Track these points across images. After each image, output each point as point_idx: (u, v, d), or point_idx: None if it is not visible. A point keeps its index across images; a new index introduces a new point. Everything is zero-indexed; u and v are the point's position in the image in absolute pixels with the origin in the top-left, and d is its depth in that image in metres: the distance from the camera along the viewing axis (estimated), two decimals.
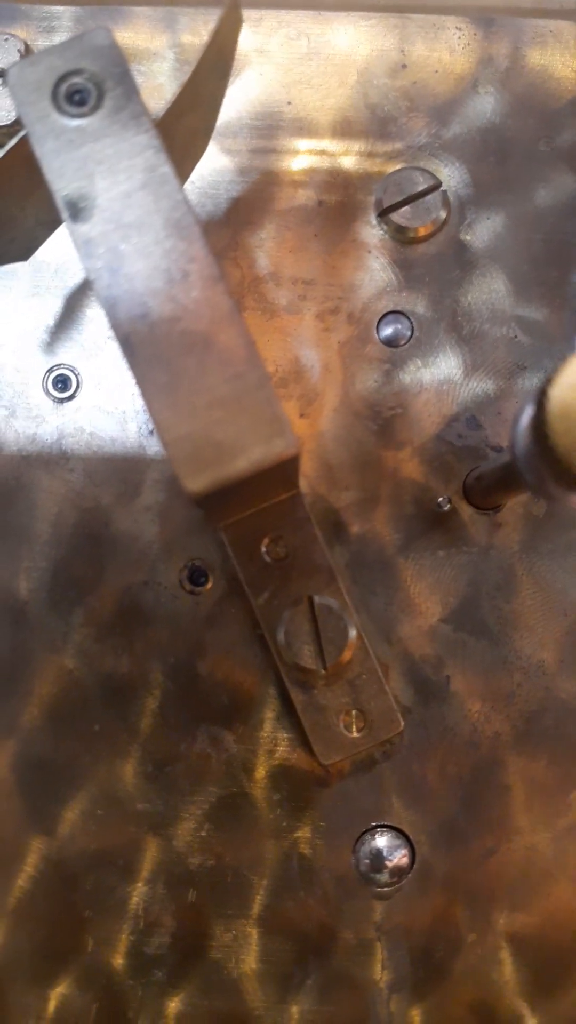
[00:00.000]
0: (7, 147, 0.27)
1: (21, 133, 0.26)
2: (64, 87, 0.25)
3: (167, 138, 0.25)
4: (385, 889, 0.33)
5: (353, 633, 0.32)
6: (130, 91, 0.25)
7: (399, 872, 0.33)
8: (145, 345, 0.25)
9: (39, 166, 0.26)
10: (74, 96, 0.25)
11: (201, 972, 0.33)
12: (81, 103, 0.25)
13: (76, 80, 0.25)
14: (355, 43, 0.35)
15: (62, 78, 0.25)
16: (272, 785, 0.33)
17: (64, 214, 0.25)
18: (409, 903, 0.33)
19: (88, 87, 0.25)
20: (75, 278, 0.34)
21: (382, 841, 0.33)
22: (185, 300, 0.25)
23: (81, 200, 0.25)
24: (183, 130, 0.26)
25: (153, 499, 0.34)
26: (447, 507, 0.33)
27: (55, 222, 0.32)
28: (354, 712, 0.32)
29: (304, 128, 0.35)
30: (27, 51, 0.34)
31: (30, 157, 0.26)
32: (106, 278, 0.25)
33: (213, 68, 0.29)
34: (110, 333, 0.34)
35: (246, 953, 0.33)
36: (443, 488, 0.33)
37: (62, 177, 0.25)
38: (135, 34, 0.35)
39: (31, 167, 0.26)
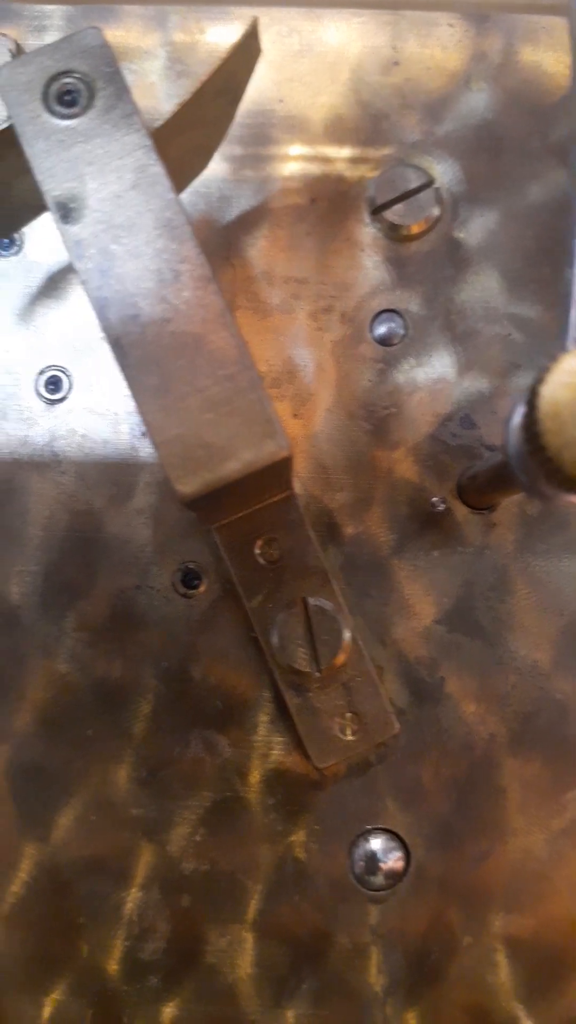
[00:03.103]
0: None
1: (4, 124, 0.26)
2: (55, 87, 0.25)
3: (160, 151, 0.25)
4: (380, 892, 0.33)
5: (347, 635, 0.31)
6: (121, 91, 0.25)
7: (394, 875, 0.33)
8: (136, 347, 0.24)
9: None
10: (65, 96, 0.25)
11: (196, 977, 0.33)
12: (72, 103, 0.25)
13: (67, 80, 0.25)
14: (347, 40, 0.34)
15: (53, 78, 0.25)
16: (266, 789, 0.33)
17: (54, 215, 0.25)
18: (404, 906, 0.32)
19: (79, 87, 0.25)
20: (67, 279, 0.34)
21: (377, 844, 0.33)
22: (176, 301, 0.24)
23: (71, 201, 0.24)
24: (180, 145, 0.25)
25: (145, 502, 0.33)
26: (441, 507, 0.33)
27: (39, 207, 0.32)
28: (349, 715, 0.32)
29: (296, 126, 0.34)
30: (18, 51, 0.33)
31: (14, 142, 0.26)
32: (97, 279, 0.24)
33: (221, 91, 0.29)
34: (102, 334, 0.34)
35: (241, 958, 0.33)
36: (437, 488, 0.33)
37: (52, 178, 0.25)
38: (126, 32, 0.35)
39: (20, 152, 0.26)
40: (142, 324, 0.24)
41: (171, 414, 0.24)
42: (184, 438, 0.24)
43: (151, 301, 0.24)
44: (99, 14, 0.35)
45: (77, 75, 0.25)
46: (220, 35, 0.35)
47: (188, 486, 0.24)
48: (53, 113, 0.25)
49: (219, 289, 0.24)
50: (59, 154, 0.25)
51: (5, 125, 0.27)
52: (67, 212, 0.24)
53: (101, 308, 0.24)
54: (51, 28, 0.35)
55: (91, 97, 0.25)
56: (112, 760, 0.33)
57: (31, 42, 0.35)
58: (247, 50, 0.28)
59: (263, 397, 0.24)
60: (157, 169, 0.25)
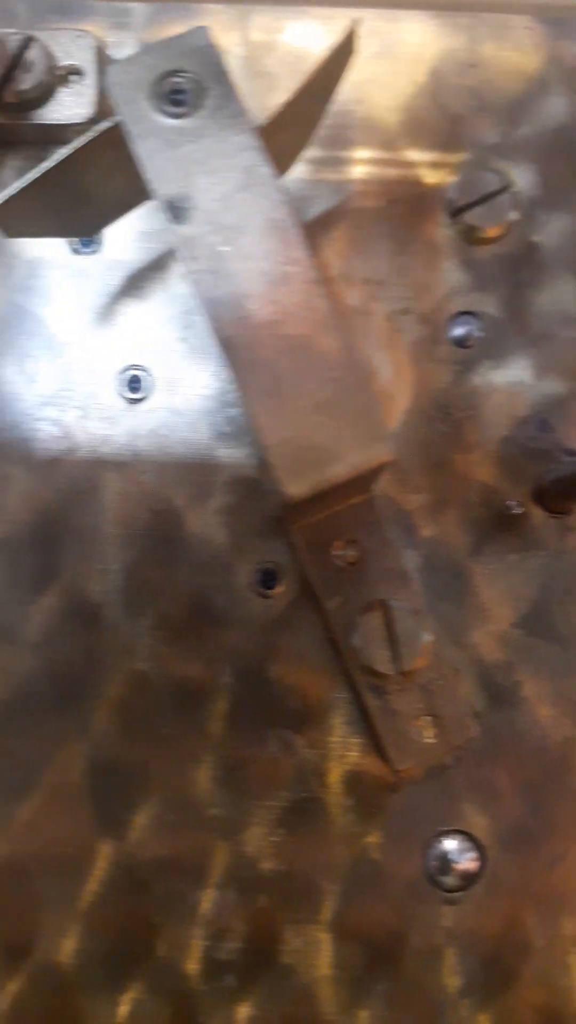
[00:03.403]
0: (99, 128, 0.27)
1: (115, 119, 0.26)
2: (164, 86, 0.25)
3: None
4: (455, 894, 0.33)
5: (427, 638, 0.31)
6: (229, 91, 0.25)
7: (468, 876, 0.33)
8: (246, 348, 0.24)
9: (124, 151, 0.25)
10: (174, 95, 0.25)
11: (272, 977, 0.33)
12: (180, 102, 0.25)
13: (176, 79, 0.25)
14: (424, 42, 0.35)
15: (162, 77, 0.25)
16: (343, 790, 0.33)
17: (165, 215, 0.25)
18: (478, 908, 0.33)
19: (188, 86, 0.25)
20: (147, 278, 0.34)
21: (451, 845, 0.33)
22: (286, 303, 0.24)
23: (181, 201, 0.25)
24: (273, 146, 0.25)
25: (224, 502, 0.34)
26: (518, 510, 0.33)
27: (127, 204, 0.32)
28: (427, 717, 0.32)
29: (374, 127, 0.34)
30: (102, 48, 0.33)
31: (117, 140, 0.26)
32: (208, 280, 0.24)
33: (317, 92, 0.29)
34: (183, 333, 0.34)
35: (316, 958, 0.33)
36: (514, 491, 0.33)
37: (162, 178, 0.25)
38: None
39: (117, 149, 0.26)
40: (252, 326, 0.24)
41: (280, 416, 0.24)
42: (293, 440, 0.24)
43: (261, 303, 0.24)
44: (179, 11, 0.35)
45: (186, 74, 0.25)
46: (298, 35, 0.35)
47: (297, 488, 0.24)
48: (162, 112, 0.25)
49: (328, 292, 0.24)
50: (169, 153, 0.25)
51: (107, 125, 0.27)
52: (177, 212, 0.25)
53: (212, 309, 0.24)
54: (132, 25, 0.35)
55: (200, 96, 0.25)
56: (189, 759, 0.33)
57: (112, 39, 0.35)
58: (345, 52, 0.28)
59: (371, 399, 0.24)
60: (266, 170, 0.25)
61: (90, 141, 0.27)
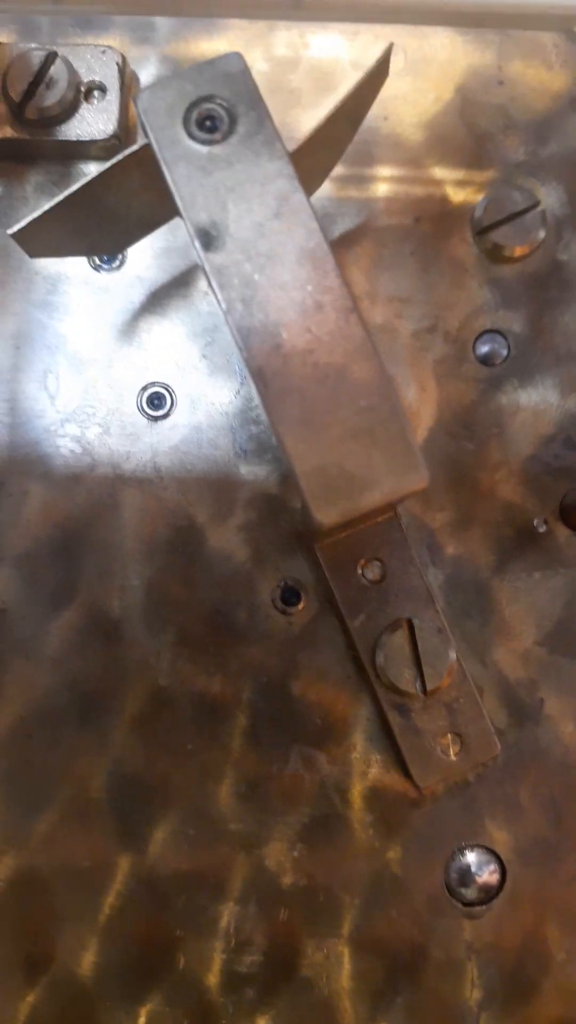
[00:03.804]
0: (129, 151, 0.26)
1: (143, 143, 0.26)
2: (196, 112, 0.25)
3: None
4: (475, 908, 0.33)
5: (453, 657, 0.31)
6: (262, 117, 0.25)
7: (488, 889, 0.33)
8: (278, 377, 0.24)
9: (149, 171, 0.25)
10: (206, 122, 0.25)
11: (292, 990, 0.33)
12: (213, 129, 0.25)
13: (208, 105, 0.25)
14: (452, 59, 0.34)
15: (194, 103, 0.25)
16: (365, 806, 0.33)
17: (195, 242, 0.25)
18: (499, 922, 0.33)
19: (220, 113, 0.25)
20: (169, 295, 0.34)
21: (472, 858, 0.33)
22: (319, 332, 0.24)
23: (213, 228, 0.25)
24: (304, 168, 0.25)
25: (246, 518, 0.34)
26: (543, 528, 0.33)
27: (152, 224, 0.32)
28: (451, 735, 0.32)
29: (400, 144, 0.34)
30: (124, 64, 0.33)
31: (143, 161, 0.26)
32: (240, 309, 0.24)
33: (349, 115, 0.29)
34: (205, 351, 0.34)
35: (337, 971, 0.33)
36: (539, 509, 0.33)
37: (194, 205, 0.25)
38: (230, 46, 0.34)
39: (143, 170, 0.26)
40: (284, 355, 0.24)
41: (312, 444, 0.24)
42: (325, 468, 0.24)
43: (294, 332, 0.24)
44: (203, 26, 0.34)
45: (219, 100, 0.25)
46: (322, 51, 0.35)
47: (328, 516, 0.24)
48: (194, 138, 0.25)
49: (361, 320, 0.24)
50: (200, 180, 0.25)
51: (135, 148, 0.27)
52: (209, 240, 0.25)
53: (244, 338, 0.24)
54: (154, 40, 0.34)
55: (232, 123, 0.25)
56: (210, 774, 0.33)
57: (134, 53, 0.34)
58: (379, 76, 0.28)
59: (405, 427, 0.24)
60: (299, 197, 0.25)
61: (116, 163, 0.27)
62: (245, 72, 0.25)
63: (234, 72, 0.25)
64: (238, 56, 0.25)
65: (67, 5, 0.37)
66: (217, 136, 0.25)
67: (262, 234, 0.24)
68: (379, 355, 0.24)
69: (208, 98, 0.25)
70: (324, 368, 0.24)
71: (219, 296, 0.24)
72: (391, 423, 0.24)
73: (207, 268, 0.24)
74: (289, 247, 0.24)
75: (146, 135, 0.25)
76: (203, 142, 0.25)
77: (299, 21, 0.34)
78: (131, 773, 0.33)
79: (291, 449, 0.24)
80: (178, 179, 0.25)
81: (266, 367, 0.24)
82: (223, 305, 0.24)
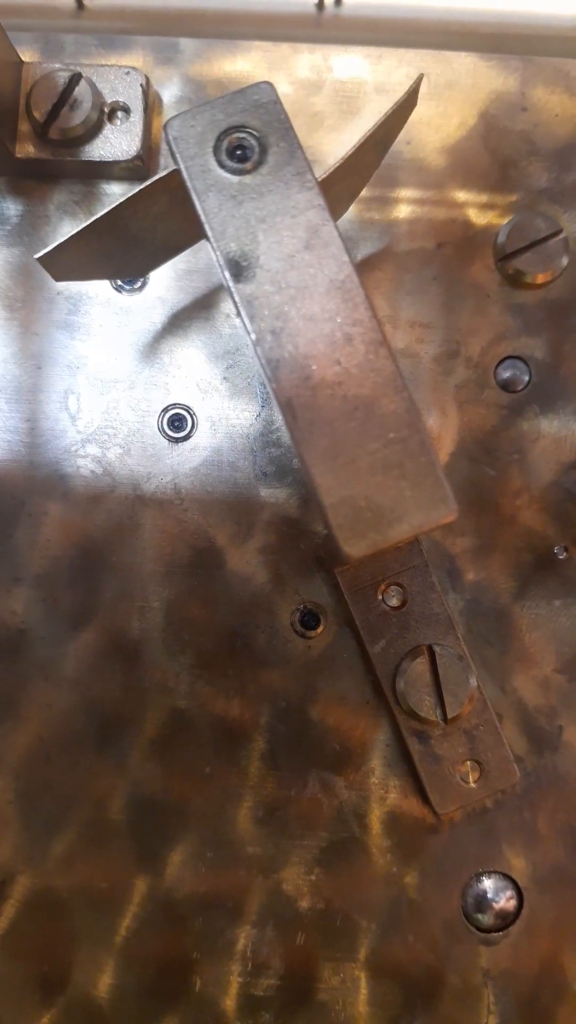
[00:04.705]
0: (156, 177, 0.26)
1: (170, 168, 0.26)
2: (226, 142, 0.25)
3: None
4: (492, 934, 0.33)
5: (474, 684, 0.31)
6: (293, 147, 0.25)
7: (505, 915, 0.33)
8: (307, 409, 0.24)
9: (175, 196, 0.25)
10: (236, 151, 0.25)
11: (308, 1014, 0.33)
12: (243, 159, 0.25)
13: (239, 135, 0.25)
14: (475, 84, 0.34)
15: (224, 132, 0.25)
16: (383, 831, 0.33)
17: (225, 273, 0.25)
18: (516, 949, 0.33)
19: (250, 142, 0.25)
20: (191, 317, 0.34)
21: (488, 884, 0.33)
22: (348, 364, 0.24)
23: (243, 259, 0.24)
24: (330, 197, 0.25)
25: (266, 541, 0.34)
26: (563, 555, 0.33)
27: (177, 248, 0.32)
28: (471, 762, 0.32)
29: (423, 169, 0.34)
30: (148, 85, 0.33)
31: (170, 187, 0.26)
32: (269, 340, 0.24)
33: (377, 144, 0.29)
34: (226, 373, 0.34)
35: (354, 996, 0.33)
36: (560, 536, 0.33)
37: (224, 235, 0.25)
38: (253, 67, 0.34)
39: (171, 196, 0.26)
40: (313, 386, 0.24)
41: (341, 476, 0.24)
42: (353, 500, 0.24)
43: (323, 364, 0.24)
44: (226, 48, 0.34)
45: (249, 130, 0.25)
46: (346, 74, 0.34)
47: (356, 548, 0.24)
48: (224, 168, 0.25)
49: (391, 353, 0.24)
50: (231, 210, 0.25)
51: (163, 175, 0.27)
52: (239, 271, 0.24)
53: (273, 369, 0.24)
54: (178, 61, 0.34)
55: (263, 153, 0.25)
56: (229, 798, 0.33)
57: (158, 74, 0.34)
58: (408, 106, 0.28)
59: (434, 460, 0.24)
60: (329, 229, 0.25)
61: (143, 189, 0.27)
62: (276, 102, 0.25)
63: (265, 102, 0.25)
64: (269, 86, 0.25)
65: (90, 20, 0.37)
66: (248, 166, 0.25)
67: (292, 265, 0.24)
68: (408, 388, 0.24)
69: (239, 127, 0.25)
70: (353, 400, 0.24)
71: (249, 327, 0.24)
72: (420, 456, 0.24)
73: (237, 299, 0.24)
74: (319, 279, 0.24)
75: (176, 163, 0.25)
76: (234, 172, 0.25)
77: (322, 44, 0.34)
78: (149, 795, 0.33)
79: (319, 481, 0.24)
80: (208, 209, 0.25)
81: (295, 399, 0.24)
82: (252, 336, 0.24)
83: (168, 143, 0.25)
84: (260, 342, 0.24)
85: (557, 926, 0.33)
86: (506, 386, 0.34)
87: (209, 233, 0.25)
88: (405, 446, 0.24)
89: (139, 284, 0.34)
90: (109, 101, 0.33)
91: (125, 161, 0.33)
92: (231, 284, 0.25)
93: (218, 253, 0.25)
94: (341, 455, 0.24)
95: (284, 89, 0.34)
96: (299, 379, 0.24)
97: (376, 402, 0.24)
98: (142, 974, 0.33)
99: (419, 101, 0.34)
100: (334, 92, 0.34)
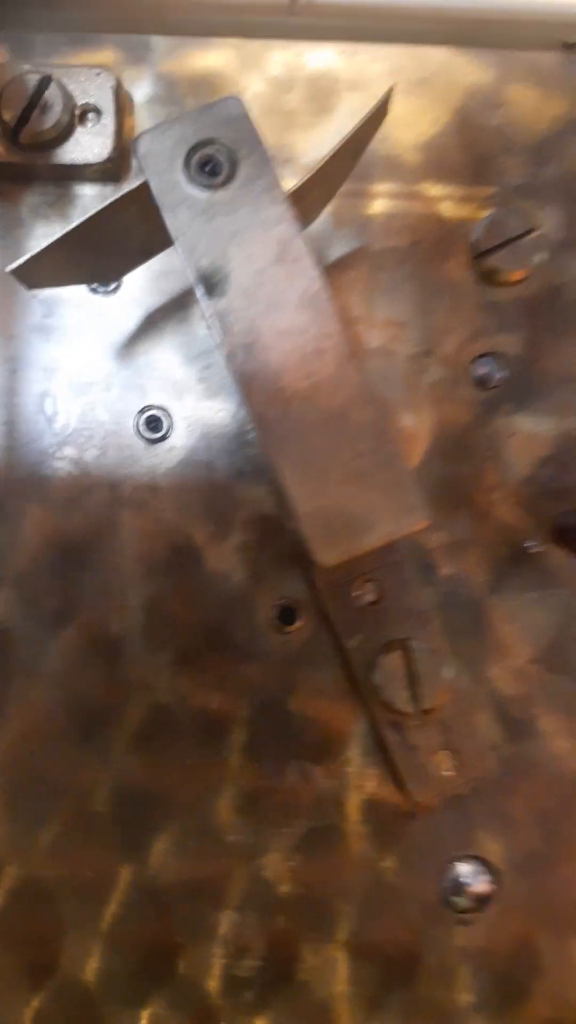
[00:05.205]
0: (127, 190, 0.26)
1: (140, 181, 0.26)
2: (196, 157, 0.25)
3: None
4: (468, 915, 0.34)
5: (447, 676, 0.32)
6: (263, 160, 0.25)
7: (481, 898, 0.34)
8: (280, 422, 0.25)
9: (147, 203, 0.25)
10: (206, 166, 0.25)
11: (289, 994, 0.34)
12: (213, 173, 0.25)
13: (208, 150, 0.25)
14: (450, 80, 0.34)
15: (194, 148, 0.25)
16: (360, 818, 0.34)
17: (198, 288, 0.25)
18: (491, 929, 0.34)
19: (220, 158, 0.25)
20: (165, 319, 0.34)
21: (465, 868, 0.34)
22: (319, 377, 0.25)
23: (215, 274, 0.25)
24: (301, 206, 0.25)
25: (243, 539, 0.34)
26: (538, 549, 0.34)
27: (149, 252, 0.32)
28: (446, 752, 0.33)
29: (397, 165, 0.34)
30: (119, 86, 0.33)
31: (142, 195, 0.26)
32: (241, 355, 0.25)
33: (349, 152, 0.29)
34: (202, 374, 0.34)
35: (333, 976, 0.34)
36: (534, 530, 0.34)
37: (195, 251, 0.25)
38: (225, 64, 0.34)
39: (143, 204, 0.26)
40: (285, 400, 0.25)
41: (314, 487, 0.25)
42: (326, 510, 0.25)
43: (295, 377, 0.25)
44: (198, 45, 0.34)
45: (219, 144, 0.25)
46: (319, 71, 0.34)
47: (330, 557, 0.25)
48: (194, 183, 0.25)
49: (362, 365, 0.25)
50: (202, 225, 0.25)
51: (135, 186, 0.27)
52: (211, 285, 0.25)
53: (245, 384, 0.25)
54: (149, 59, 0.34)
55: (233, 167, 0.25)
56: (210, 788, 0.34)
57: (129, 72, 0.34)
58: (379, 115, 0.28)
59: (404, 470, 0.25)
60: (299, 243, 0.25)
61: (114, 201, 0.27)
62: (245, 116, 0.25)
63: (234, 115, 0.25)
64: (237, 100, 0.25)
65: (62, 12, 0.36)
66: (218, 181, 0.25)
67: (263, 280, 0.25)
68: (379, 400, 0.25)
69: (208, 142, 0.25)
70: (325, 413, 0.25)
71: (221, 342, 0.25)
72: (391, 465, 0.25)
73: (209, 314, 0.25)
74: (290, 293, 0.25)
75: (148, 178, 0.25)
76: (204, 187, 0.25)
77: (295, 40, 0.34)
78: (132, 787, 0.34)
79: (293, 492, 0.25)
80: (179, 225, 0.25)
81: (267, 412, 0.25)
82: (225, 351, 0.25)
83: (137, 159, 0.25)
84: (232, 357, 0.25)
85: (531, 907, 0.34)
86: (481, 383, 0.34)
87: (180, 249, 0.25)
88: (376, 457, 0.25)
89: (114, 286, 0.34)
90: (80, 103, 0.32)
91: (97, 164, 0.33)
92: (204, 299, 0.25)
93: (190, 268, 0.25)
94: (314, 467, 0.25)
95: (257, 87, 0.34)
96: (271, 393, 0.25)
97: (347, 414, 0.25)
98: (128, 958, 0.34)
99: (394, 97, 0.34)
100: (307, 89, 0.34)
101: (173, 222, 0.25)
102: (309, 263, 0.25)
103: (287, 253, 0.25)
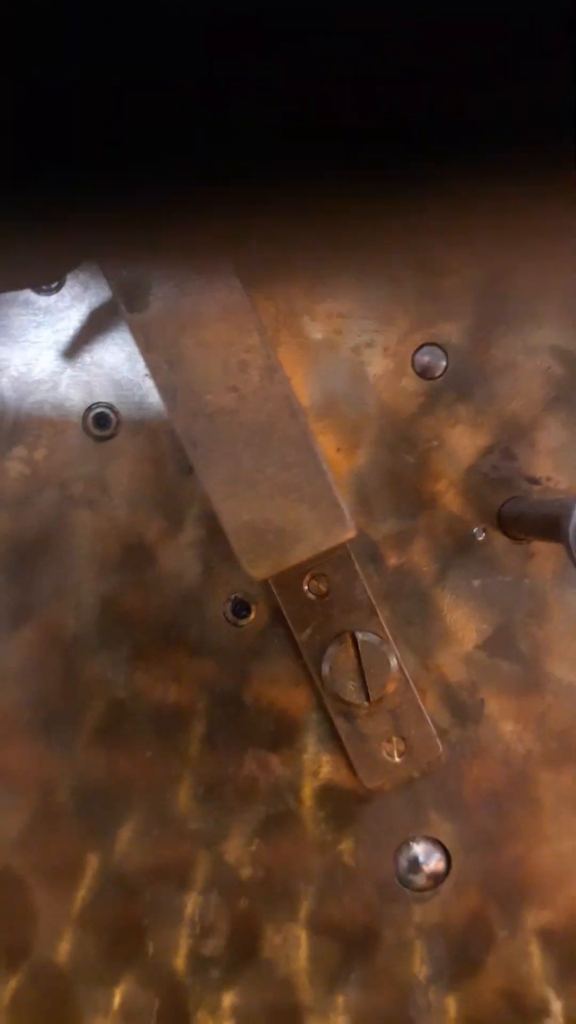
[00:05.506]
0: None
1: None
2: None
3: None
4: (423, 893, 0.35)
5: (394, 666, 0.33)
6: None
7: (435, 877, 0.35)
8: (206, 437, 0.25)
9: None
10: None
11: (254, 970, 0.35)
12: None
13: None
14: None
15: None
16: (316, 803, 0.35)
17: (119, 302, 0.25)
18: (445, 905, 0.35)
19: None
20: (110, 318, 0.34)
21: (419, 848, 0.35)
22: (243, 391, 0.25)
23: (136, 288, 0.25)
24: None
25: (195, 535, 0.34)
26: (482, 537, 0.34)
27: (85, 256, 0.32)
28: (395, 739, 0.34)
29: None
30: None
31: None
32: (165, 370, 0.25)
33: None
34: (147, 370, 0.34)
35: (295, 952, 0.35)
36: (478, 518, 0.34)
37: (115, 265, 0.25)
38: None
39: None
40: (210, 414, 0.25)
41: (241, 501, 0.25)
42: (254, 524, 0.25)
43: (219, 391, 0.25)
44: None
45: None
46: None
47: (258, 570, 0.25)
48: None
49: (285, 377, 0.25)
50: None
51: None
52: (132, 300, 0.25)
53: (170, 399, 0.25)
54: None
55: None
56: (171, 779, 0.35)
57: None
58: None
59: (329, 482, 0.25)
60: None
61: None
62: None
63: None
64: None
65: None
66: None
67: (184, 292, 0.25)
68: (303, 412, 0.25)
69: None
70: (250, 427, 0.25)
71: (144, 357, 0.25)
72: (316, 478, 0.25)
73: (131, 328, 0.25)
74: (211, 305, 0.25)
75: None
76: None
77: None
78: (95, 780, 0.35)
79: (221, 507, 0.25)
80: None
81: (193, 427, 0.25)
82: (148, 366, 0.25)
83: None
84: (156, 372, 0.25)
85: (483, 883, 0.35)
86: (424, 373, 0.34)
87: (98, 263, 0.25)
88: (302, 469, 0.25)
89: (56, 284, 0.34)
90: None
91: None
92: (126, 314, 0.25)
93: (110, 282, 0.25)
94: (241, 480, 0.25)
95: None
96: (196, 407, 0.25)
97: (273, 427, 0.25)
98: (99, 940, 0.35)
99: None
100: None
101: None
102: (228, 273, 0.25)
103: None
